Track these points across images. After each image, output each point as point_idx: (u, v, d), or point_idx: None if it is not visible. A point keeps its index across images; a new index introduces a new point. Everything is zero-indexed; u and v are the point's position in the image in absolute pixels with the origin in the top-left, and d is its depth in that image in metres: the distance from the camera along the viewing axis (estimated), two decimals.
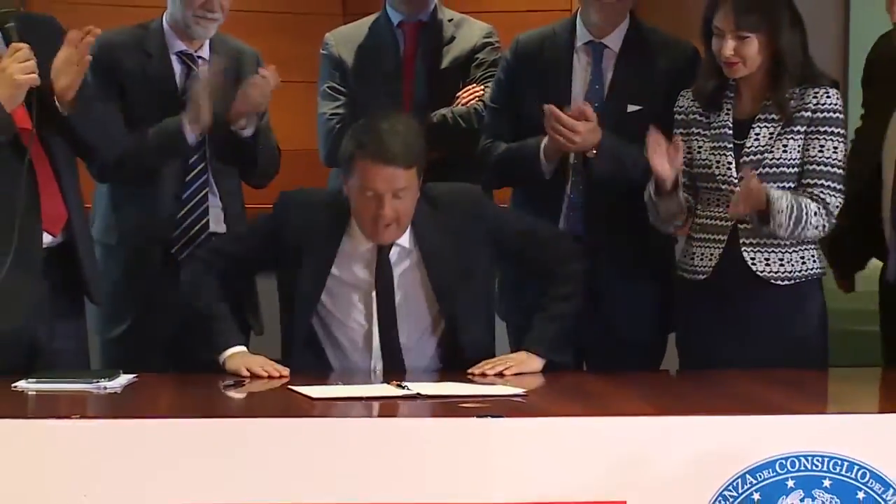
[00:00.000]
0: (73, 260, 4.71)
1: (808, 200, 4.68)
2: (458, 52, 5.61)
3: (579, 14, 5.19)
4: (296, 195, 4.90)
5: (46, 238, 4.64)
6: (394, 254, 4.74)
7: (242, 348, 4.76)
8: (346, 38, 5.64)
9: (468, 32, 5.69)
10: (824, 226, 4.72)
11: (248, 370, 4.61)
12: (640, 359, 5.12)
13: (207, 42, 5.39)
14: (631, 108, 5.05)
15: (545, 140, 4.97)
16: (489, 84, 5.38)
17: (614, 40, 5.13)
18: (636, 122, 4.94)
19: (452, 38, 5.65)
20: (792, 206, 4.66)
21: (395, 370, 4.74)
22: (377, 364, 4.79)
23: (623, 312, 5.14)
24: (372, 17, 5.67)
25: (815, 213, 4.69)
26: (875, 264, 5.09)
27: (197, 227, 5.30)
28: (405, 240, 4.74)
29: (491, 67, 5.48)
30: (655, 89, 5.07)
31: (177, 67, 5.35)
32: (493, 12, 6.23)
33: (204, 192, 5.31)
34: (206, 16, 5.27)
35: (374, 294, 4.77)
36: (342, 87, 5.58)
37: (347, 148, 4.66)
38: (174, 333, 5.16)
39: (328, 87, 5.63)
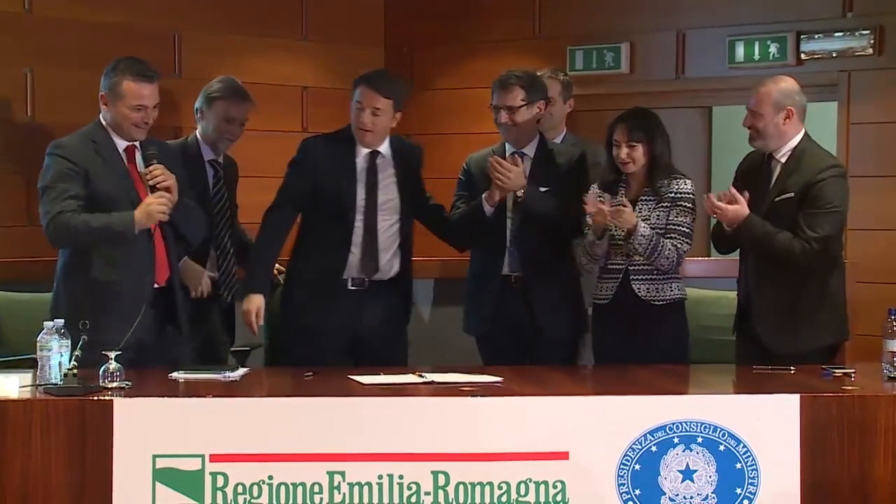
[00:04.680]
0: (172, 298, 4.69)
1: (667, 242, 4.70)
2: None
3: None
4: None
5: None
6: None
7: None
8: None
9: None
10: (675, 260, 4.72)
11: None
12: (563, 353, 4.97)
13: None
14: (542, 189, 4.92)
15: (487, 192, 4.87)
16: None
17: (530, 149, 5.00)
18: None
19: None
20: (652, 237, 4.68)
21: None
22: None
23: (552, 321, 4.95)
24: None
25: (669, 249, 4.70)
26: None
27: None
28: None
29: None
30: (554, 178, 4.96)
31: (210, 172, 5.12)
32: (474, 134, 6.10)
33: None
34: (232, 139, 5.08)
35: None
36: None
37: None
38: None
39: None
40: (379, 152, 4.93)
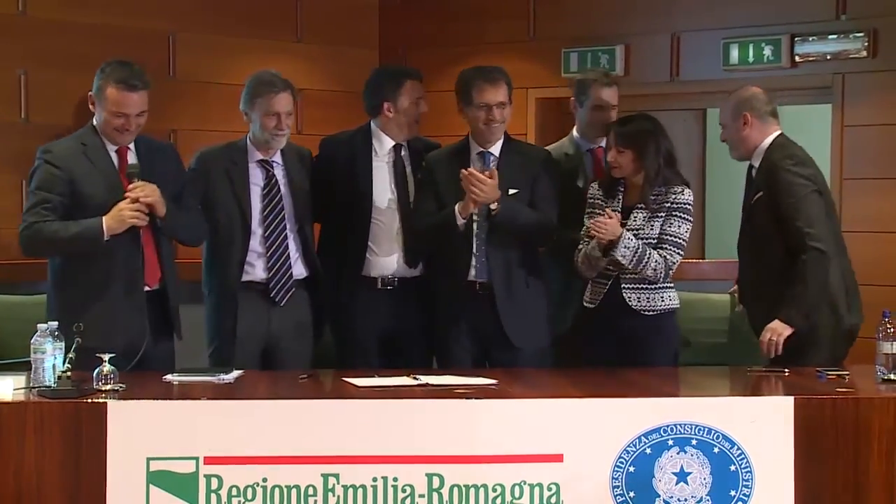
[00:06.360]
0: (166, 301, 4.66)
1: (655, 253, 4.66)
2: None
3: (470, 134, 4.96)
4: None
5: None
6: None
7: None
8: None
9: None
10: (662, 271, 4.66)
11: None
12: (526, 361, 4.82)
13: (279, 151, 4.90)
14: (512, 191, 4.82)
15: (459, 203, 4.77)
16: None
17: (495, 149, 4.90)
18: (513, 200, 4.83)
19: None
20: (637, 248, 4.64)
21: None
22: None
23: (516, 328, 4.84)
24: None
25: (656, 261, 4.65)
26: None
27: None
28: None
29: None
30: (524, 178, 4.87)
31: (256, 172, 4.89)
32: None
33: None
34: (278, 134, 4.84)
35: None
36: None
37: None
38: None
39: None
40: (402, 146, 4.99)
